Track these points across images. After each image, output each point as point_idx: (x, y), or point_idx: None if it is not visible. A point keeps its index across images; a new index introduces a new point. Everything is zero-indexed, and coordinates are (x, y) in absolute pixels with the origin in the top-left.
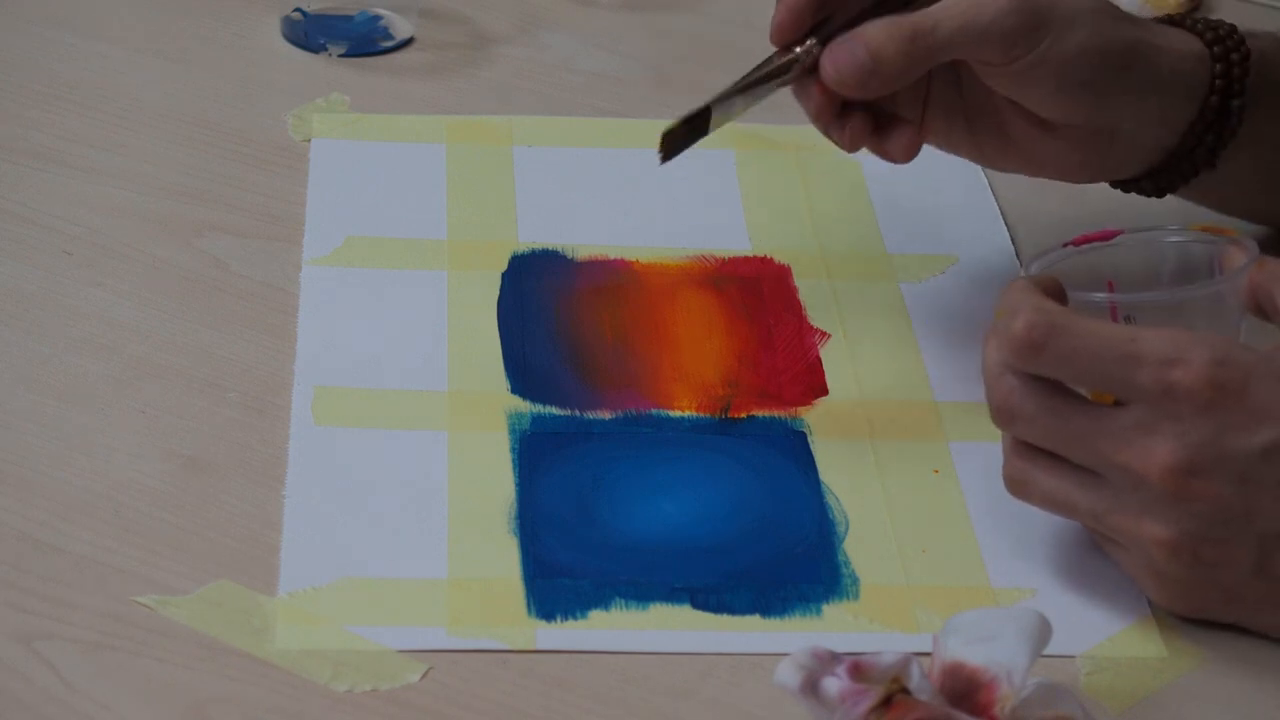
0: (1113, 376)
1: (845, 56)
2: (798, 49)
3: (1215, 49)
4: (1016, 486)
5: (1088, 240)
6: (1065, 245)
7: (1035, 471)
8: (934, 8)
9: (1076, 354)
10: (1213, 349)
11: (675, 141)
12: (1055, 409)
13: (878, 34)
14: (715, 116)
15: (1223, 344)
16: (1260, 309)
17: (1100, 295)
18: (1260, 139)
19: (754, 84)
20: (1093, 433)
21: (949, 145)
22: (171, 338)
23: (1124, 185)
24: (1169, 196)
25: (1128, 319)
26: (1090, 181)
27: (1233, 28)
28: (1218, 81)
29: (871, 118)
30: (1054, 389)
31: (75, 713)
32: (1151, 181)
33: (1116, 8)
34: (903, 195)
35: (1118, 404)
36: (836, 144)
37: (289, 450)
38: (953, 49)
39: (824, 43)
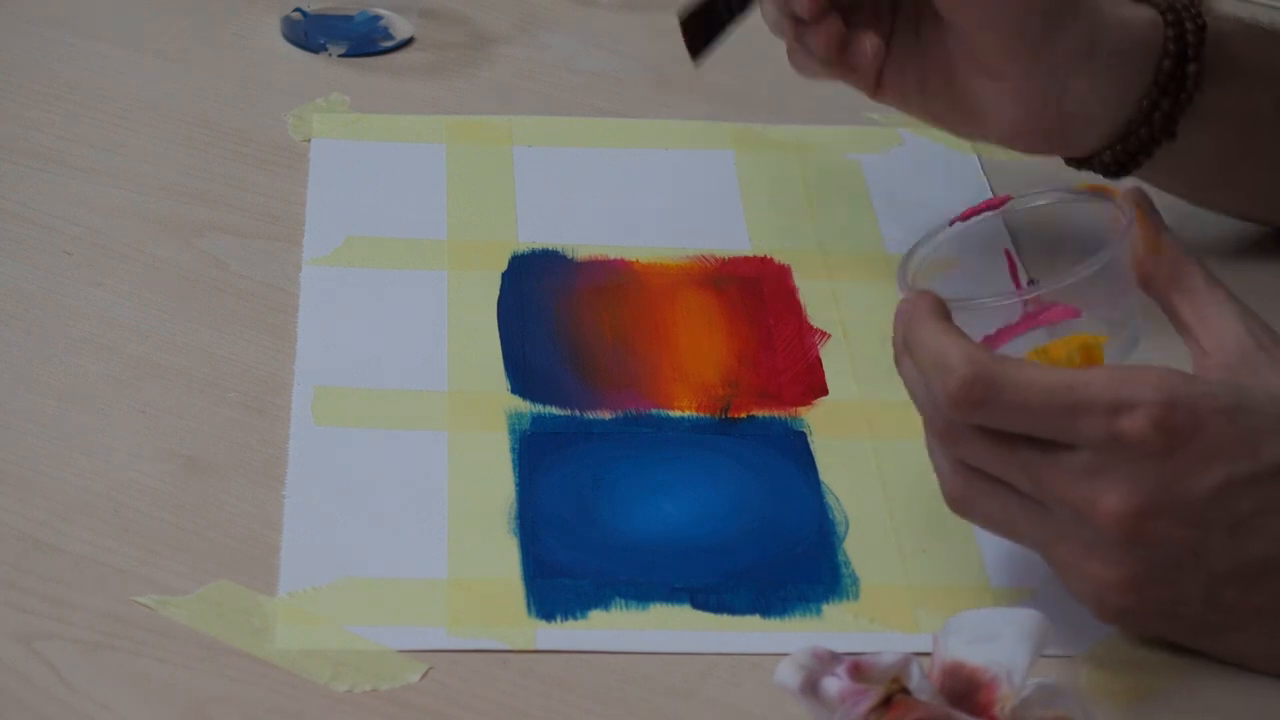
0: (1056, 428)
1: None
2: None
3: (1168, 15)
4: (957, 504)
5: (976, 212)
6: (952, 223)
7: (978, 490)
8: None
9: (1016, 409)
10: (1159, 390)
11: (696, 36)
12: (1001, 438)
13: None
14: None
15: (1166, 381)
16: (1148, 288)
17: (990, 300)
18: (1220, 115)
19: None
20: (1040, 466)
21: (901, 98)
22: (171, 338)
23: (1082, 163)
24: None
25: (1031, 281)
26: (1045, 152)
27: (1191, 1)
28: (1171, 46)
29: (841, 28)
30: None
31: (75, 713)
32: (1110, 153)
33: None
34: (903, 195)
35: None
36: (802, 58)
37: (289, 450)
38: None
39: None
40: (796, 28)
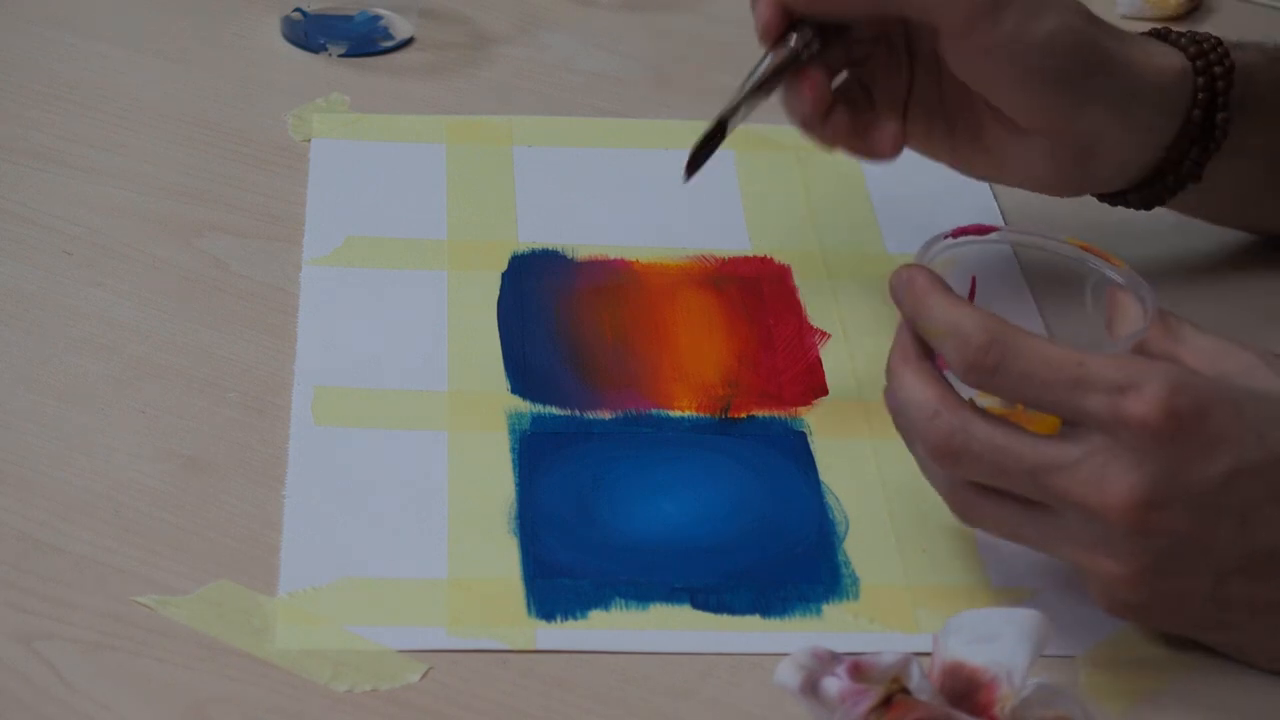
0: (1063, 402)
1: None
2: (792, 42)
3: (1198, 63)
4: (965, 515)
5: (964, 233)
6: (945, 236)
7: (982, 501)
8: None
9: (1028, 379)
10: (1166, 376)
11: (698, 159)
12: (1001, 447)
13: None
14: (731, 125)
15: (1174, 369)
16: (1139, 347)
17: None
18: (1246, 151)
19: (760, 86)
20: (1043, 468)
21: (928, 148)
22: (171, 338)
23: (1109, 198)
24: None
25: None
26: (1073, 194)
27: (1217, 41)
28: (1200, 95)
29: (851, 116)
30: (995, 424)
31: (75, 713)
32: (1137, 195)
33: (1093, 15)
34: (903, 195)
35: (1064, 426)
36: (818, 142)
37: (289, 450)
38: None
39: (818, 32)
40: (817, 115)
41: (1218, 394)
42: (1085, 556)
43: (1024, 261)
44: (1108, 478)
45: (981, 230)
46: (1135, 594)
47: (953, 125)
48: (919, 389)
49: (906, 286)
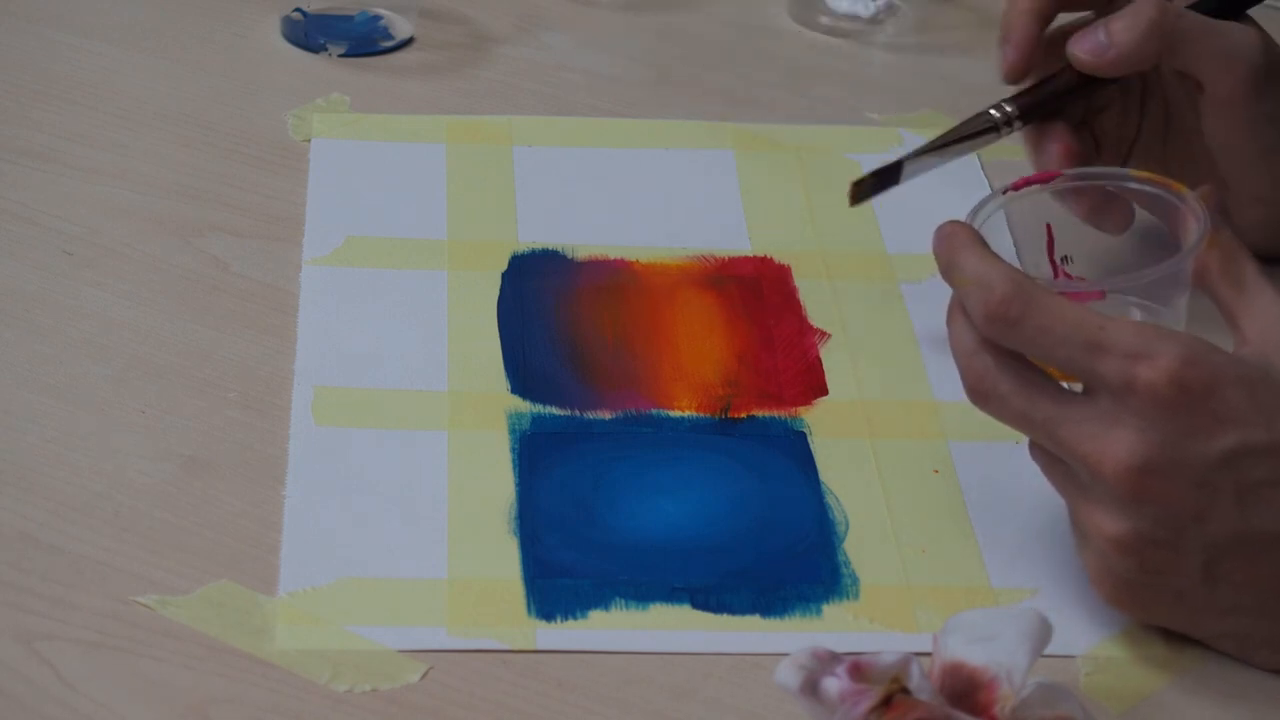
0: (1077, 362)
1: (1089, 40)
2: (995, 114)
3: None
4: (1031, 449)
5: (1028, 183)
6: (1004, 191)
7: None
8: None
9: (1046, 334)
10: (1182, 347)
11: (864, 190)
12: (1025, 393)
13: (1119, 21)
14: (907, 169)
15: (1193, 343)
16: (1200, 281)
17: (1060, 280)
18: None
19: (951, 143)
20: (1056, 420)
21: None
22: (171, 338)
23: None
24: None
25: (1065, 259)
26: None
27: None
28: None
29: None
30: (1027, 370)
31: (75, 713)
32: None
33: None
34: (903, 195)
35: (1086, 389)
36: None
37: (289, 450)
38: (1191, 54)
39: (1022, 114)
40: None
41: (1233, 372)
42: (1085, 511)
43: (1089, 201)
44: (1110, 438)
45: (1046, 178)
46: (1126, 562)
47: (1167, 171)
48: (964, 331)
49: (945, 240)
